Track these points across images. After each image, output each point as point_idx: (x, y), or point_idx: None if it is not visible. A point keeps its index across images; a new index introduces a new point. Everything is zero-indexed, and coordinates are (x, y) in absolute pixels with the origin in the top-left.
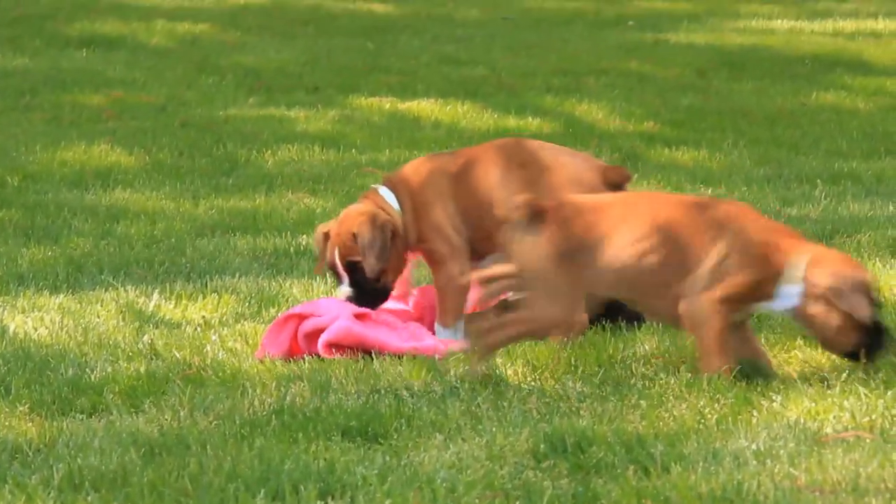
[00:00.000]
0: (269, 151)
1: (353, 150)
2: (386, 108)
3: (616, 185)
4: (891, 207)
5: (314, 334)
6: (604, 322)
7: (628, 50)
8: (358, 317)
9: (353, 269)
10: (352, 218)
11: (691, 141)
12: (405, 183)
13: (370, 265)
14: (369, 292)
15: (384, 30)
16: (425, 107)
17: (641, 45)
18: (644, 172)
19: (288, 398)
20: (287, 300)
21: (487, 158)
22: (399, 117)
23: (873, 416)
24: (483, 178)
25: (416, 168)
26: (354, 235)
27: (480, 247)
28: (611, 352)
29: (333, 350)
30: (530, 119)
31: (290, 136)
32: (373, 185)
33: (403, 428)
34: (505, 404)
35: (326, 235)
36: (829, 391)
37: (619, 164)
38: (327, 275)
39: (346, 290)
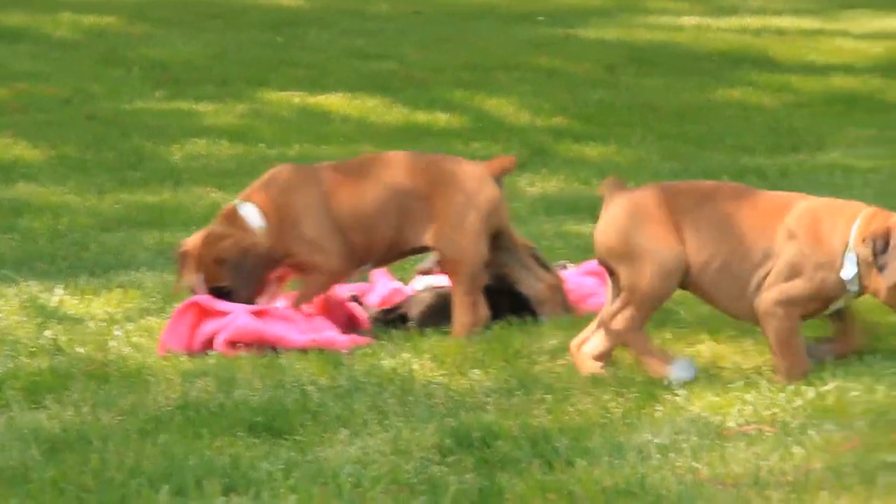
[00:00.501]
0: (177, 145)
1: (262, 145)
2: (295, 102)
3: (503, 174)
4: None
5: (213, 335)
6: (509, 317)
7: (538, 45)
8: (256, 312)
9: (219, 294)
10: (215, 243)
11: (599, 136)
12: (272, 197)
13: (242, 296)
14: None
15: (293, 23)
16: (334, 101)
17: (551, 40)
18: (552, 167)
19: (193, 393)
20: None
21: (379, 170)
22: (308, 112)
23: (774, 410)
24: (366, 190)
25: (283, 181)
26: (219, 261)
27: (362, 255)
28: (517, 347)
29: (233, 346)
30: (440, 114)
31: (197, 129)
32: (233, 203)
33: (309, 423)
34: (411, 399)
35: (185, 255)
36: (731, 385)
37: (527, 158)
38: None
39: None
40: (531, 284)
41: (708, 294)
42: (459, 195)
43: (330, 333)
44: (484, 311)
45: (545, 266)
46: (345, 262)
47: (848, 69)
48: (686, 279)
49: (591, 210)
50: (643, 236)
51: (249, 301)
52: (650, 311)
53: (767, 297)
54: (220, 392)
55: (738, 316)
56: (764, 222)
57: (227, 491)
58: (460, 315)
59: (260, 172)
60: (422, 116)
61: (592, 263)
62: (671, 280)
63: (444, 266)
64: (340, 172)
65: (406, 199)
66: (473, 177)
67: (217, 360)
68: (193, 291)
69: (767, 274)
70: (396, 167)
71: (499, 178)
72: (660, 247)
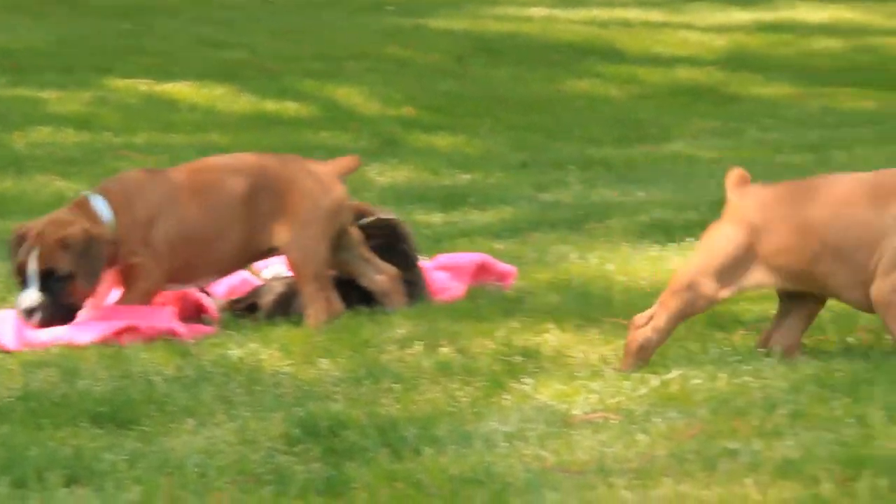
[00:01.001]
0: (20, 132)
1: (108, 133)
2: (141, 89)
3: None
4: (640, 193)
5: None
6: (359, 307)
7: (388, 34)
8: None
9: (49, 279)
10: (62, 224)
11: (449, 126)
12: (125, 194)
13: (84, 283)
14: (62, 307)
15: (141, 10)
16: (182, 89)
17: (401, 30)
18: (402, 157)
19: (35, 384)
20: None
21: (227, 176)
22: (155, 100)
23: (619, 399)
24: (221, 198)
25: (139, 179)
26: (63, 244)
27: (184, 273)
28: (365, 336)
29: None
30: (289, 103)
31: (41, 117)
32: (84, 193)
33: (155, 413)
34: (258, 389)
35: (22, 237)
36: (577, 374)
37: (377, 148)
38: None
39: (33, 296)
40: (372, 278)
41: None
42: (306, 197)
43: (165, 322)
44: (337, 304)
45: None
46: (165, 277)
47: (692, 61)
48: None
49: (441, 200)
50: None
51: (88, 290)
52: None
53: (883, 286)
54: (64, 382)
55: (859, 306)
56: (871, 207)
57: (70, 482)
58: (314, 312)
59: (106, 161)
60: (271, 106)
61: (446, 257)
62: None
63: (290, 267)
64: (188, 180)
65: (254, 204)
66: (320, 178)
67: (60, 350)
68: (22, 274)
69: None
70: (242, 173)
71: (344, 177)
72: None
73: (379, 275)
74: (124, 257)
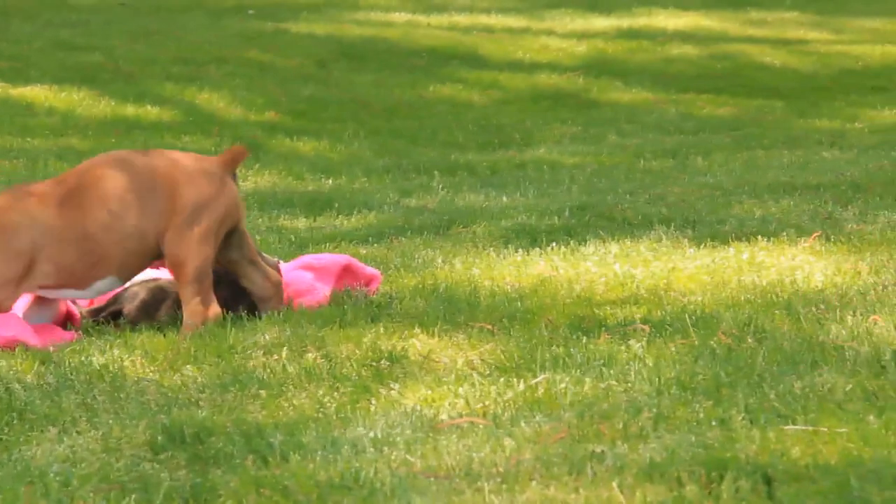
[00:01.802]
0: None
1: None
2: None
3: (236, 166)
4: (504, 199)
5: None
6: (225, 312)
7: (249, 38)
8: None
9: None
10: None
11: (312, 131)
12: None
13: None
14: None
15: None
16: (39, 93)
17: (262, 34)
18: (265, 162)
19: None
20: None
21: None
22: (11, 103)
23: (486, 403)
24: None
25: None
26: None
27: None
28: (231, 342)
29: None
30: (150, 107)
31: None
32: None
33: (15, 422)
34: (122, 396)
35: None
36: (444, 379)
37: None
38: None
39: None
40: (257, 280)
41: None
42: (191, 194)
43: (20, 331)
44: (215, 309)
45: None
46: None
47: (553, 67)
48: None
49: (305, 205)
50: None
51: None
52: None
53: None
54: None
55: None
56: None
57: None
58: (190, 316)
59: None
60: (131, 110)
61: (311, 257)
62: None
63: (168, 267)
64: (59, 191)
65: (140, 204)
66: (207, 175)
67: None
68: None
69: None
70: (121, 175)
71: (233, 171)
72: None
73: (266, 280)
74: None
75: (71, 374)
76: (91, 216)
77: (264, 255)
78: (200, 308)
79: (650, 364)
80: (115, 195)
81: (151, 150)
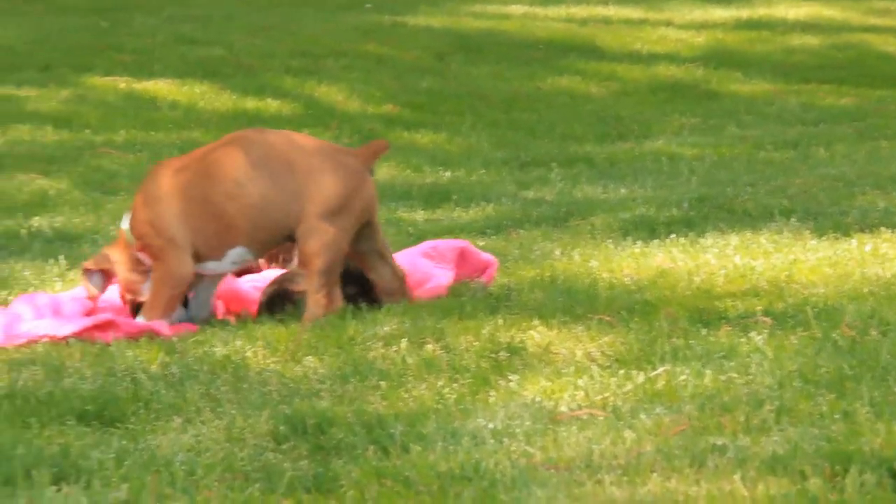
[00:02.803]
0: None
1: (88, 131)
2: (121, 87)
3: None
4: (622, 190)
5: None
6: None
7: (366, 32)
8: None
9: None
10: None
11: (430, 124)
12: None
13: None
14: None
15: (117, 8)
16: (162, 87)
17: (379, 28)
18: (384, 155)
19: (20, 382)
20: (18, 283)
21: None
22: (135, 97)
23: (606, 395)
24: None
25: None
26: None
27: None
28: (351, 333)
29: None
30: (270, 100)
31: (20, 115)
32: None
33: (141, 411)
34: (245, 386)
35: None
36: (563, 370)
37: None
38: (60, 258)
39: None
40: (384, 274)
41: None
42: (329, 186)
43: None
44: (339, 303)
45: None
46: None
47: (672, 58)
48: None
49: (423, 197)
50: None
51: None
52: None
53: None
54: (49, 380)
55: None
56: None
57: (58, 480)
58: (314, 308)
59: (86, 158)
60: (251, 103)
61: (423, 245)
62: None
63: (298, 255)
64: (195, 163)
65: (268, 179)
66: (346, 168)
67: (45, 348)
68: None
69: None
70: (253, 149)
71: (373, 164)
72: None
73: (393, 275)
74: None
75: (194, 364)
76: (219, 185)
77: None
78: (324, 301)
79: (771, 356)
80: (242, 167)
81: (295, 132)
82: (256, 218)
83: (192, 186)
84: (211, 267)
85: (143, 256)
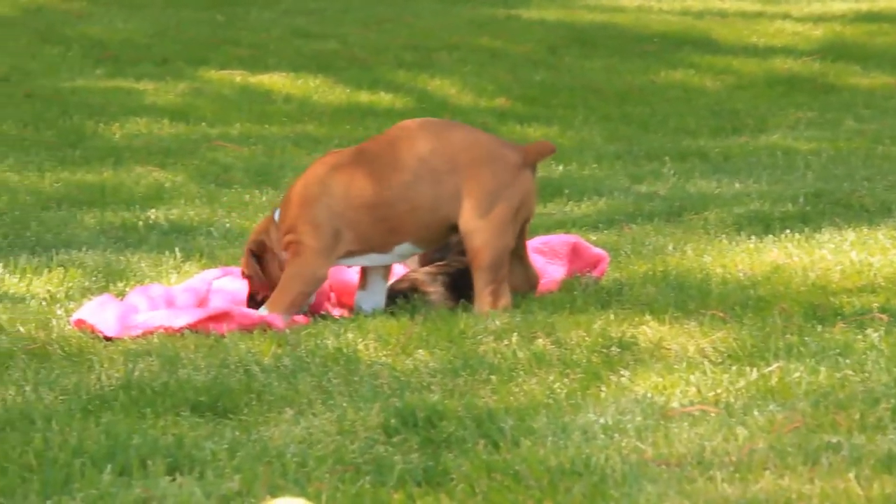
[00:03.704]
0: (117, 124)
1: (203, 124)
2: (236, 81)
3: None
4: (737, 185)
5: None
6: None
7: (479, 25)
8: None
9: None
10: None
11: (543, 117)
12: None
13: None
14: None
15: (234, 2)
16: (277, 80)
17: (493, 21)
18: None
19: (136, 373)
20: (135, 275)
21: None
22: (250, 91)
23: (718, 391)
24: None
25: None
26: None
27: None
28: (461, 327)
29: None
30: (383, 94)
31: (138, 108)
32: None
33: (253, 403)
34: (356, 379)
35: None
36: (675, 366)
37: None
38: (175, 250)
39: None
40: (519, 276)
41: None
42: (486, 179)
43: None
44: (506, 300)
45: None
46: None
47: (789, 52)
48: None
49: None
50: None
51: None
52: None
53: None
54: (164, 371)
55: None
56: None
57: (172, 470)
58: (480, 305)
59: (202, 151)
60: (365, 97)
61: (535, 241)
62: None
63: (466, 252)
64: (358, 159)
65: (434, 176)
66: (504, 161)
67: (160, 339)
68: None
69: None
70: (420, 145)
71: (535, 163)
72: None
73: (525, 277)
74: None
75: (306, 356)
76: (386, 188)
77: None
78: (490, 299)
79: (888, 354)
80: (408, 167)
81: (456, 123)
82: (424, 218)
83: (357, 188)
84: (376, 259)
85: (283, 254)
